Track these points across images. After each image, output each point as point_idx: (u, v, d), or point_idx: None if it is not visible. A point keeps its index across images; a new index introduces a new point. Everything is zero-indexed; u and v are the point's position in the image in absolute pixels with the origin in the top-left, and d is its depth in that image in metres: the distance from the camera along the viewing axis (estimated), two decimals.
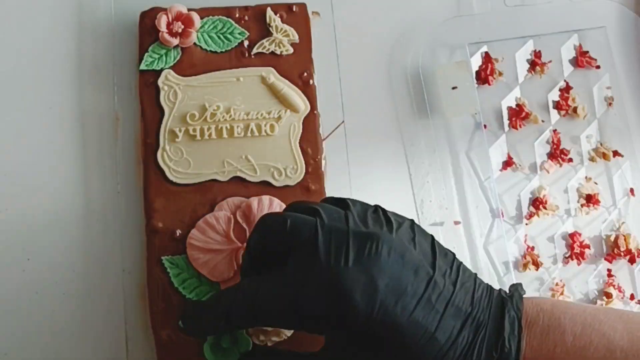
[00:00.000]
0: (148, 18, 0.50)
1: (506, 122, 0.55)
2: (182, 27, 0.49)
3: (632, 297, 0.53)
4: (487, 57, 0.55)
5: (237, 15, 0.51)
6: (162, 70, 0.49)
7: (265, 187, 0.48)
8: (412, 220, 0.39)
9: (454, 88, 0.53)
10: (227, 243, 0.46)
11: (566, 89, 0.56)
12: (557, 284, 0.52)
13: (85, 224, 0.49)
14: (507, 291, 0.36)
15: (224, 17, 0.50)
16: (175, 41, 0.49)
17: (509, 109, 0.55)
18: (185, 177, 0.48)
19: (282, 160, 0.48)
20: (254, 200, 0.47)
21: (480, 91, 0.55)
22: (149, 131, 0.48)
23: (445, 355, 0.32)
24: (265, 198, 0.47)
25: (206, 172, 0.48)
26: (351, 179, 0.51)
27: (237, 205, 0.47)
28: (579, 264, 0.53)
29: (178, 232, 0.47)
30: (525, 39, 0.56)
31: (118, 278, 0.48)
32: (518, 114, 0.55)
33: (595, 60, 0.56)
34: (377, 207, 0.39)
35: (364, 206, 0.39)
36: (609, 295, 0.53)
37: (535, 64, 0.56)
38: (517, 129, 0.54)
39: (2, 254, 0.48)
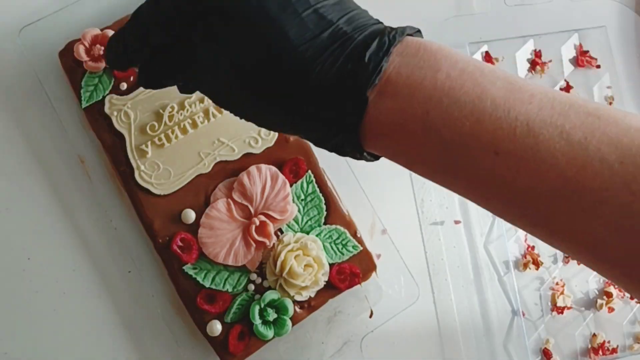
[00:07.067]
0: (67, 54, 0.47)
1: None
2: (102, 48, 0.47)
3: (632, 296, 0.53)
4: (487, 57, 0.55)
5: None
6: (103, 98, 0.47)
7: (247, 158, 0.48)
8: None
9: None
10: (235, 226, 0.46)
11: (566, 89, 0.56)
12: (557, 283, 0.52)
13: (85, 223, 0.49)
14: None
15: None
16: (101, 65, 0.47)
17: None
18: (171, 185, 0.47)
19: (252, 127, 0.45)
20: (244, 176, 0.47)
21: None
22: (118, 160, 0.47)
23: (303, 59, 0.30)
24: (253, 168, 0.47)
25: (188, 171, 0.47)
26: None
27: (229, 187, 0.47)
28: (579, 263, 0.53)
29: (184, 236, 0.46)
30: (525, 38, 0.56)
31: (119, 278, 0.48)
32: None
33: (596, 59, 0.56)
34: None
35: None
36: (609, 295, 0.53)
37: (535, 63, 0.56)
38: None
39: (2, 254, 0.48)
